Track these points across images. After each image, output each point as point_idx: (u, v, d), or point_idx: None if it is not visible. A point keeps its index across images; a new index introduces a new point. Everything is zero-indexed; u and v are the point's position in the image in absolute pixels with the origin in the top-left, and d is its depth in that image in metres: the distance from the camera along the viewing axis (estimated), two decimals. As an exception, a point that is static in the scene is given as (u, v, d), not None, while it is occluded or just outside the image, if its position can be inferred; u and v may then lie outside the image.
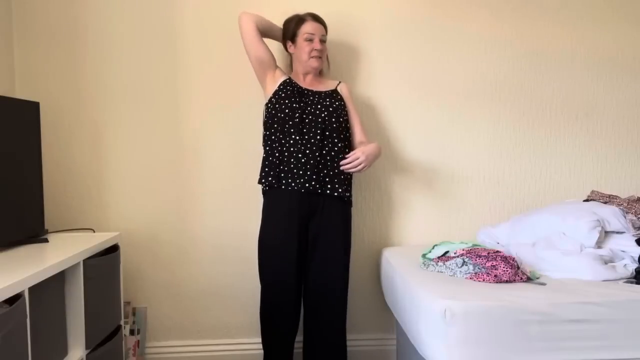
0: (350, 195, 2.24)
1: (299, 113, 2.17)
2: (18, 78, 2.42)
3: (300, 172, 2.13)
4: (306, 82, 2.30)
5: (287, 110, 2.18)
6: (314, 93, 2.26)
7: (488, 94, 2.61)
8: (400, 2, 2.56)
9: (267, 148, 2.20)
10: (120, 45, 2.45)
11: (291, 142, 2.16)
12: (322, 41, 2.27)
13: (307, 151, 2.15)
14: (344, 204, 2.23)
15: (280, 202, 2.17)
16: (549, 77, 2.63)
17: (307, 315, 2.24)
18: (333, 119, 2.20)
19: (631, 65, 2.66)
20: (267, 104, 2.25)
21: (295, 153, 2.15)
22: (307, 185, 2.13)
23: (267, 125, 2.22)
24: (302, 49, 2.25)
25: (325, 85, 2.33)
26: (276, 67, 2.28)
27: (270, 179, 2.16)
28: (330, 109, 2.21)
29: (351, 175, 2.25)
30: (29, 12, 2.41)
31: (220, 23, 2.47)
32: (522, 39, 2.60)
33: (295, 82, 2.27)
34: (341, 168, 2.14)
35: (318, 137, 2.16)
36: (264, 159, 2.21)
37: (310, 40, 2.24)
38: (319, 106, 2.21)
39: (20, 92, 2.40)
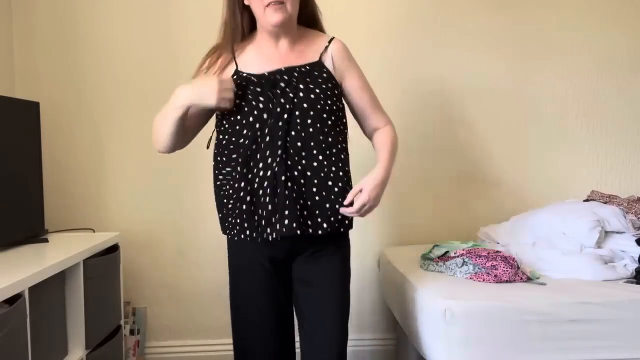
0: (351, 222, 1.57)
1: (258, 119, 1.48)
2: (18, 78, 2.42)
3: (268, 213, 1.46)
4: (280, 53, 1.56)
5: (241, 121, 1.50)
6: (283, 75, 1.50)
7: (487, 93, 2.61)
8: (398, 1, 2.56)
9: (218, 182, 1.58)
10: (120, 45, 2.45)
11: (252, 167, 1.48)
12: None
13: (279, 177, 1.45)
14: (341, 237, 1.59)
15: (246, 257, 1.57)
16: (549, 75, 2.63)
17: None
18: (314, 117, 1.48)
19: (631, 65, 2.66)
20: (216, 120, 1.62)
21: (259, 185, 1.47)
22: (282, 229, 1.44)
23: (215, 147, 1.59)
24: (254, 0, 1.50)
25: (311, 50, 1.58)
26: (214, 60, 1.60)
27: (230, 229, 1.54)
28: (312, 97, 1.49)
29: (351, 186, 1.55)
30: (29, 12, 2.41)
31: (219, 22, 2.47)
32: (522, 38, 2.60)
33: (246, 74, 1.52)
34: (342, 211, 1.50)
35: (295, 150, 1.46)
36: (216, 198, 1.61)
37: None
38: (290, 102, 1.47)
39: (20, 92, 2.40)
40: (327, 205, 1.48)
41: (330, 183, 1.49)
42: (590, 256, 2.02)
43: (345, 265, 1.61)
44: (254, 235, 1.49)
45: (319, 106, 1.48)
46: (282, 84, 1.49)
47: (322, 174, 1.48)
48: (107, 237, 2.10)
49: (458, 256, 2.02)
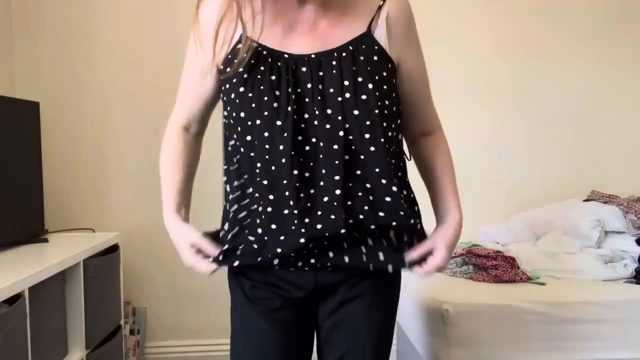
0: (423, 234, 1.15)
1: (268, 124, 0.97)
2: (18, 78, 2.41)
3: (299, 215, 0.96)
4: (306, 17, 1.01)
5: (246, 122, 0.99)
6: (314, 64, 0.99)
7: (488, 93, 2.61)
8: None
9: (231, 198, 1.07)
10: (121, 44, 2.45)
11: (279, 179, 0.98)
12: None
13: (318, 188, 0.98)
14: (390, 276, 1.10)
15: (263, 293, 1.08)
16: (549, 76, 2.63)
17: None
18: (372, 128, 0.98)
19: (631, 65, 2.66)
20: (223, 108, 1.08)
21: (285, 203, 0.97)
22: (311, 259, 1.01)
23: (227, 151, 1.09)
24: None
25: (354, 12, 1.03)
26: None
27: (236, 252, 1.05)
28: (364, 99, 0.97)
29: (419, 217, 1.17)
30: (29, 12, 2.41)
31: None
32: (522, 38, 2.60)
33: (257, 45, 0.99)
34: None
35: (335, 165, 0.97)
36: (224, 217, 1.10)
37: None
38: (335, 107, 0.97)
39: (20, 92, 2.40)
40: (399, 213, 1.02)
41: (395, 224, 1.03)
42: (590, 256, 2.02)
43: (391, 323, 1.15)
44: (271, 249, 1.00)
45: (376, 110, 0.97)
46: (315, 81, 0.97)
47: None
48: (107, 237, 2.10)
49: (458, 256, 2.02)
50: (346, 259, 1.01)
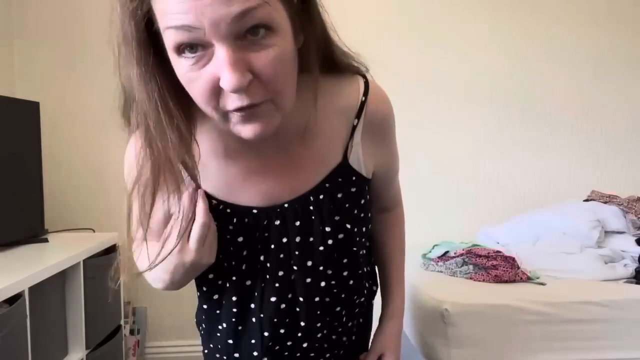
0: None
1: (239, 290, 0.88)
2: (18, 78, 2.42)
3: None
4: (264, 152, 0.82)
5: (226, 279, 0.88)
6: (291, 213, 0.83)
7: (488, 93, 2.61)
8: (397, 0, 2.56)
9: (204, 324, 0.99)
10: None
11: (246, 342, 0.90)
12: (242, 35, 0.65)
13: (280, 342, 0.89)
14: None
15: None
16: (549, 76, 2.63)
17: None
18: (343, 263, 0.88)
19: (631, 64, 2.66)
20: None
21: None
22: None
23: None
24: (191, 83, 0.70)
25: (327, 134, 0.84)
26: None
27: None
28: (341, 239, 0.86)
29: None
30: (29, 12, 2.41)
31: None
32: (522, 38, 2.60)
33: (217, 203, 0.84)
34: None
35: (317, 315, 0.89)
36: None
37: (191, 50, 0.67)
38: (311, 250, 0.85)
39: (20, 92, 2.40)
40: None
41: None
42: (590, 256, 2.02)
43: None
44: None
45: (355, 248, 0.89)
46: (292, 233, 0.83)
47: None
48: (107, 237, 2.10)
49: (458, 256, 2.02)
50: None
